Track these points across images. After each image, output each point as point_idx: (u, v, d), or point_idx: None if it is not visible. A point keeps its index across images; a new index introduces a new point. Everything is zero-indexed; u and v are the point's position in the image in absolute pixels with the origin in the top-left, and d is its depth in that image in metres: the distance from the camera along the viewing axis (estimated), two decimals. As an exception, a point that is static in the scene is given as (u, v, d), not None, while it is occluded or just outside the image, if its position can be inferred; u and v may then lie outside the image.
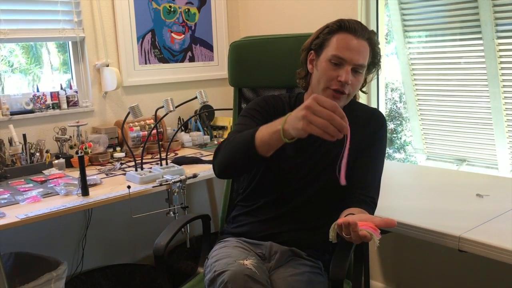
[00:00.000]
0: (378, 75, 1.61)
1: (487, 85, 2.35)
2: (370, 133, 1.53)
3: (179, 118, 2.90)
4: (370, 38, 1.45)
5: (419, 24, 2.60)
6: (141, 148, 2.28)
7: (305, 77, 1.56)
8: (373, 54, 1.47)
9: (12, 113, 2.33)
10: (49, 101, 2.46)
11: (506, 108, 2.33)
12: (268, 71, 1.88)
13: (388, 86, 3.25)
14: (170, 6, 2.86)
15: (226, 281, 1.25)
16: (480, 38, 2.30)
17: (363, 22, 2.48)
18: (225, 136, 2.89)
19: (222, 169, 1.41)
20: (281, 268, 1.45)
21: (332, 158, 1.49)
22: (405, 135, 3.40)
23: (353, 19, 1.45)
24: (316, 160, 1.51)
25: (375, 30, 2.42)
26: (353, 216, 1.27)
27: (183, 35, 2.95)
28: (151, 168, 2.18)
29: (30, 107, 2.41)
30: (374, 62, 1.50)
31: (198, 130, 2.88)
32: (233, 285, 1.24)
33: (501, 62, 2.26)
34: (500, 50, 2.25)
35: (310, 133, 1.11)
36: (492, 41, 2.25)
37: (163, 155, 2.30)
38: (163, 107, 2.21)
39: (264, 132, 1.23)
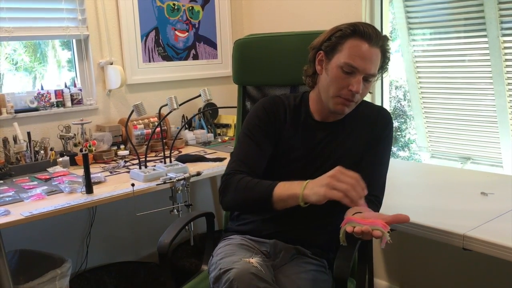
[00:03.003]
0: (382, 77, 1.59)
1: (492, 83, 2.34)
2: (377, 132, 1.52)
3: (183, 116, 2.90)
4: (383, 45, 1.41)
5: (423, 22, 2.59)
6: (145, 146, 2.28)
7: (312, 76, 1.54)
8: (383, 60, 1.44)
9: (17, 111, 2.34)
10: (53, 99, 2.47)
11: (511, 106, 2.32)
12: (272, 69, 1.88)
13: (392, 84, 3.24)
14: (174, 4, 2.86)
15: (232, 279, 1.25)
16: (485, 36, 2.29)
17: (367, 19, 2.47)
18: (229, 134, 2.89)
19: (232, 208, 1.56)
20: (285, 266, 1.45)
21: (337, 158, 1.49)
22: (409, 133, 3.39)
23: (367, 24, 1.40)
24: (321, 161, 1.51)
25: (382, 31, 2.41)
26: (362, 214, 1.27)
27: (186, 33, 2.95)
28: (155, 166, 2.18)
29: (34, 105, 2.41)
30: (383, 66, 1.47)
31: (202, 128, 2.88)
32: (238, 283, 1.24)
33: (506, 60, 2.25)
34: (505, 48, 2.23)
35: (331, 198, 1.19)
36: (497, 39, 2.24)
37: (167, 153, 2.30)
38: (167, 105, 2.21)
39: (282, 193, 1.30)
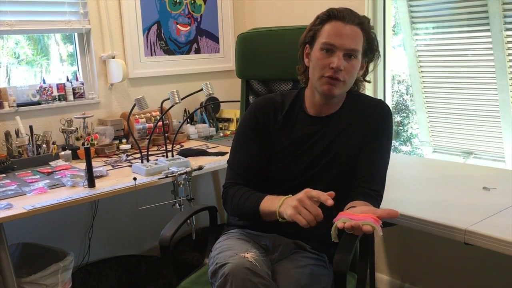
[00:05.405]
0: (384, 64, 1.59)
1: (494, 77, 2.33)
2: (375, 125, 1.52)
3: (185, 110, 2.90)
4: (361, 23, 1.43)
5: (426, 16, 2.57)
6: (147, 140, 2.29)
7: (304, 72, 1.56)
8: (367, 39, 1.45)
9: (19, 105, 2.34)
10: (55, 93, 2.47)
11: (514, 101, 2.31)
12: (276, 63, 1.88)
13: (395, 78, 3.23)
14: (176, -2, 2.85)
15: (226, 273, 1.27)
16: (488, 30, 2.28)
17: (370, 13, 2.46)
18: (231, 128, 2.89)
19: (236, 217, 1.62)
20: (284, 260, 1.46)
21: (336, 152, 1.50)
22: (411, 127, 3.38)
23: (343, 7, 1.46)
24: (316, 155, 1.51)
25: (385, 25, 2.40)
26: (354, 209, 1.28)
27: (188, 27, 2.95)
28: (157, 160, 2.18)
29: (36, 99, 2.41)
30: (372, 48, 1.48)
31: (204, 122, 2.88)
32: (233, 278, 1.25)
33: (509, 54, 2.24)
34: (509, 42, 2.22)
35: (295, 221, 1.24)
36: (500, 33, 2.23)
37: (169, 147, 2.30)
38: (169, 99, 2.21)
39: (265, 210, 1.39)
